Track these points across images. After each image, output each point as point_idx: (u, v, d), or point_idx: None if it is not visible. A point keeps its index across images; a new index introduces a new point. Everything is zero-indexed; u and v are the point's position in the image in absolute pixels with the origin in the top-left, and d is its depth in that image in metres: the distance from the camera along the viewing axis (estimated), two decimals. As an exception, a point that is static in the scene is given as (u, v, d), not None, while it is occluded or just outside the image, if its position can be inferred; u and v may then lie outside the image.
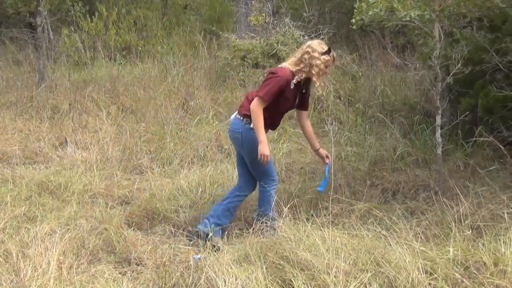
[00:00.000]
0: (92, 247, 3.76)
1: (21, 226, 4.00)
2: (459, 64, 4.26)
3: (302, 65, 3.89)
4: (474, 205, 3.83)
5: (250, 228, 3.71)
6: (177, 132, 6.26)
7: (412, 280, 2.95)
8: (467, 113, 4.89)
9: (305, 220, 3.70)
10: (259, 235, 3.60)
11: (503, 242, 3.19)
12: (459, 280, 2.96)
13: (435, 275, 2.99)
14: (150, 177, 5.17)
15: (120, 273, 3.49)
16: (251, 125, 3.89)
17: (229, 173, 4.99)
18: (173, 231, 4.12)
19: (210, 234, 3.90)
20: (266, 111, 3.84)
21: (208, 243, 3.81)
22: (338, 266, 3.05)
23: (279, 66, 4.08)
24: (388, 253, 3.16)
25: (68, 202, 4.61)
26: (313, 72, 3.88)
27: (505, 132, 4.65)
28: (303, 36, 8.03)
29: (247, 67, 7.93)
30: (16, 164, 5.66)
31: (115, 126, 6.49)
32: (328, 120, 6.27)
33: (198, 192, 4.67)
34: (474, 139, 4.77)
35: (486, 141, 4.62)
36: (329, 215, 3.83)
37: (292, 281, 3.04)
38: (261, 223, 3.72)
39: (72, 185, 4.93)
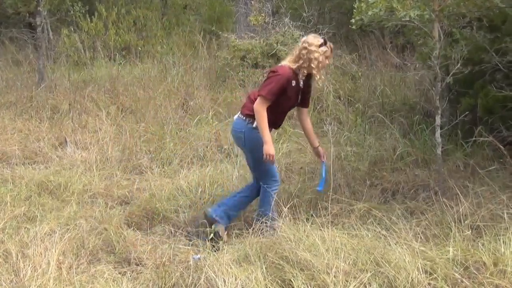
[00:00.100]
0: (91, 247, 3.76)
1: (20, 226, 4.01)
2: (459, 64, 4.26)
3: (301, 61, 3.91)
4: (474, 205, 3.83)
5: (249, 228, 3.71)
6: (176, 132, 6.26)
7: (412, 280, 2.95)
8: (466, 113, 4.89)
9: (304, 220, 3.71)
10: (259, 235, 3.60)
11: (503, 242, 3.19)
12: (459, 280, 2.96)
13: (435, 275, 3.00)
14: (150, 177, 5.16)
15: (119, 273, 3.49)
16: (254, 125, 3.90)
17: (228, 173, 4.99)
18: (172, 231, 4.12)
19: (216, 218, 3.94)
20: (268, 110, 3.85)
21: (208, 242, 3.80)
22: (338, 266, 3.05)
23: (279, 64, 4.09)
24: (387, 253, 3.16)
25: (67, 202, 4.61)
26: (313, 65, 3.89)
27: (505, 132, 4.65)
28: (303, 36, 8.02)
29: (247, 67, 7.93)
30: (16, 164, 5.66)
31: (114, 126, 6.49)
32: (327, 120, 6.27)
33: (198, 192, 4.67)
34: (473, 139, 4.77)
35: (485, 141, 4.62)
36: (328, 215, 3.83)
37: (291, 281, 3.04)
38: (261, 223, 3.73)
39: (71, 185, 4.93)
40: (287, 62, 3.97)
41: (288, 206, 3.75)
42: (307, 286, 2.99)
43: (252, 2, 8.84)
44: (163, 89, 7.60)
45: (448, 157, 4.95)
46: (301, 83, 3.97)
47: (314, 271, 3.06)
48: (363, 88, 7.25)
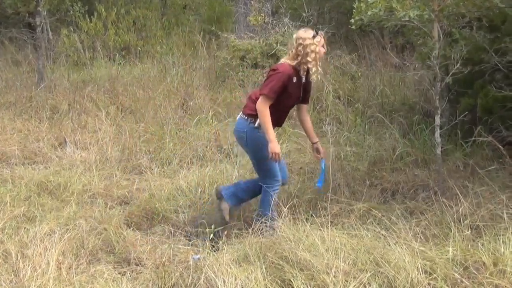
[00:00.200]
0: (91, 247, 3.76)
1: (20, 227, 4.00)
2: (458, 64, 4.26)
3: (300, 58, 3.92)
4: (474, 205, 3.83)
5: (249, 228, 3.71)
6: (176, 132, 6.26)
7: (412, 280, 2.95)
8: (466, 113, 4.89)
9: (304, 220, 3.70)
10: (259, 235, 3.60)
11: (503, 242, 3.19)
12: (459, 280, 2.96)
13: (435, 275, 2.99)
14: (149, 177, 5.16)
15: (119, 273, 3.49)
16: (256, 124, 3.91)
17: (228, 173, 4.99)
18: (172, 231, 4.12)
19: (224, 196, 4.03)
20: (271, 108, 3.85)
21: (207, 242, 3.80)
22: (338, 266, 3.05)
23: (279, 62, 4.10)
24: (387, 253, 3.16)
25: (67, 202, 4.61)
26: (309, 59, 3.90)
27: (504, 132, 4.65)
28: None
29: (246, 67, 7.94)
30: (15, 164, 5.66)
31: (114, 126, 6.48)
32: (327, 120, 6.27)
33: (198, 192, 4.66)
34: (473, 139, 4.78)
35: (485, 141, 4.62)
36: (328, 215, 3.83)
37: (291, 281, 3.04)
38: (261, 223, 3.72)
39: (71, 185, 4.92)
40: (286, 60, 3.98)
41: (287, 206, 3.75)
42: (307, 286, 2.99)
43: (252, 2, 8.85)
44: (162, 89, 7.60)
45: (448, 157, 4.95)
46: (303, 78, 3.99)
47: (313, 271, 3.05)
48: (363, 88, 7.24)
